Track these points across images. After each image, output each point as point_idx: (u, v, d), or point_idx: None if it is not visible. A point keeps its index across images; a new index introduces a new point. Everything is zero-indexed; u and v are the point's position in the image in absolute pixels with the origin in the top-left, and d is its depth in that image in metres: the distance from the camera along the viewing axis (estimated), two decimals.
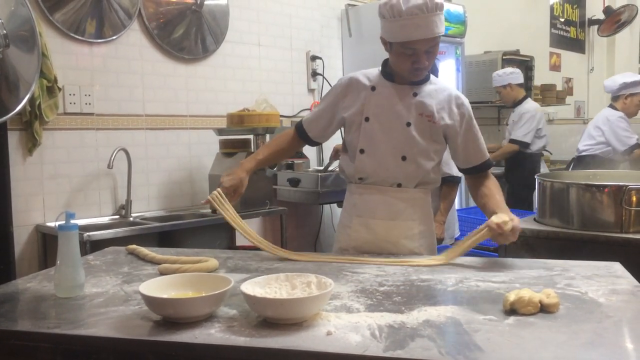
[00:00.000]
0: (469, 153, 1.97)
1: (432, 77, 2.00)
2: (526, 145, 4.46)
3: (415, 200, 1.96)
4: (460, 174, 3.09)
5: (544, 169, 4.74)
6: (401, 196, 1.94)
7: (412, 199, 1.95)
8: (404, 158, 1.91)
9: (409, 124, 1.91)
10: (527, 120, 4.48)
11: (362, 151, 1.94)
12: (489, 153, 2.05)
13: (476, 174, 1.99)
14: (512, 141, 4.51)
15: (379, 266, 1.71)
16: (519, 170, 4.60)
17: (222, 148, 3.34)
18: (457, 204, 4.30)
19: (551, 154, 5.13)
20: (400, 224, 1.93)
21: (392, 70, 1.95)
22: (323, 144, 3.93)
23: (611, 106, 4.34)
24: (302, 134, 2.09)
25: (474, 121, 1.98)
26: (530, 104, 4.61)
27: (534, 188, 4.56)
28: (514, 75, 4.67)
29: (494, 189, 1.92)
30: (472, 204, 4.62)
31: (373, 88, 1.97)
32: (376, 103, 1.94)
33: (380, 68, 2.01)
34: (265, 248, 1.87)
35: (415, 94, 1.93)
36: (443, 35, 1.88)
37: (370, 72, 2.02)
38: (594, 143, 4.30)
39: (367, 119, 1.94)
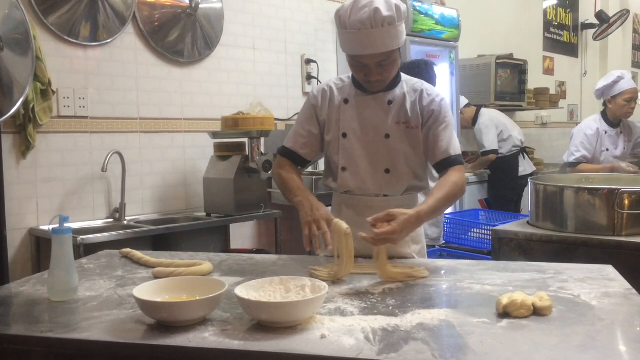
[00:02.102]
0: (433, 149, 1.85)
1: (403, 76, 1.90)
2: (495, 151, 4.74)
3: (403, 208, 1.92)
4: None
5: (523, 167, 4.86)
6: (388, 206, 1.85)
7: (400, 207, 1.90)
8: (387, 171, 1.86)
9: (387, 136, 1.85)
10: (484, 131, 4.75)
11: (343, 169, 1.88)
12: (469, 160, 1.97)
13: (442, 170, 1.85)
14: (482, 153, 4.80)
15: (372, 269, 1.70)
16: (498, 174, 4.86)
17: (216, 151, 3.34)
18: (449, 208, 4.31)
19: (533, 149, 5.24)
20: None
21: None
22: None
23: (603, 112, 4.04)
24: (297, 160, 1.96)
25: (442, 117, 1.85)
26: (483, 117, 4.80)
27: (516, 188, 4.81)
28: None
29: (440, 183, 1.80)
30: (467, 207, 4.64)
31: (346, 101, 1.88)
32: (351, 117, 1.87)
33: (350, 75, 1.90)
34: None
35: (390, 102, 1.85)
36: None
37: (341, 82, 1.93)
38: (568, 155, 4.06)
39: (344, 135, 1.87)
